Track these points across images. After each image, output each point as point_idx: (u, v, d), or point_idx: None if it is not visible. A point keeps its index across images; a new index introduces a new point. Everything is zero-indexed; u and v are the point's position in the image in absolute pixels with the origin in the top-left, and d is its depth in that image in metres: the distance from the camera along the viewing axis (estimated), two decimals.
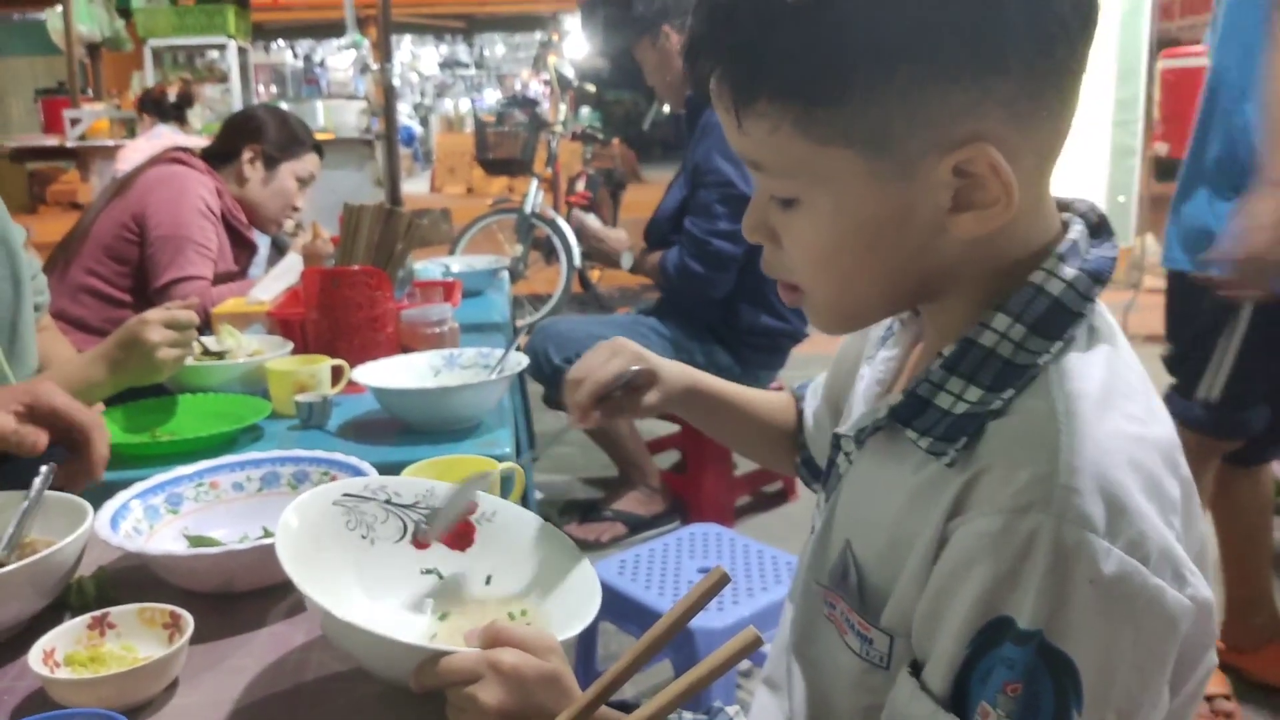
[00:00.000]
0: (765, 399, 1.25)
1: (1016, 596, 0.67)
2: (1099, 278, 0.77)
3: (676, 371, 1.19)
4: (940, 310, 0.82)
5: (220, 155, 2.80)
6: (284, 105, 5.50)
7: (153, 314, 1.62)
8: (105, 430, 1.26)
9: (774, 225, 0.81)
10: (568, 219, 3.38)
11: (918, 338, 0.92)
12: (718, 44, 0.74)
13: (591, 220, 3.49)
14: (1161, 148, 5.56)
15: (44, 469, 1.15)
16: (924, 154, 0.71)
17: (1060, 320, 0.75)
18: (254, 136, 2.79)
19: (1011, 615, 0.67)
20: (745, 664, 2.42)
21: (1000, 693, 0.67)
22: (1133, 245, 5.74)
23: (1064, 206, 0.82)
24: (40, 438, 1.21)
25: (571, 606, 0.99)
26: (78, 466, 1.23)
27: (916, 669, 0.73)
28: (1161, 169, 5.72)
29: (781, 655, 0.98)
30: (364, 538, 1.05)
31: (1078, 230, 0.78)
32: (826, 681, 0.87)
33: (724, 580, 0.74)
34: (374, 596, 1.02)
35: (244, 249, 2.83)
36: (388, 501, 1.07)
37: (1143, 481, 0.70)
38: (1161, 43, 6.10)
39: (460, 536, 1.09)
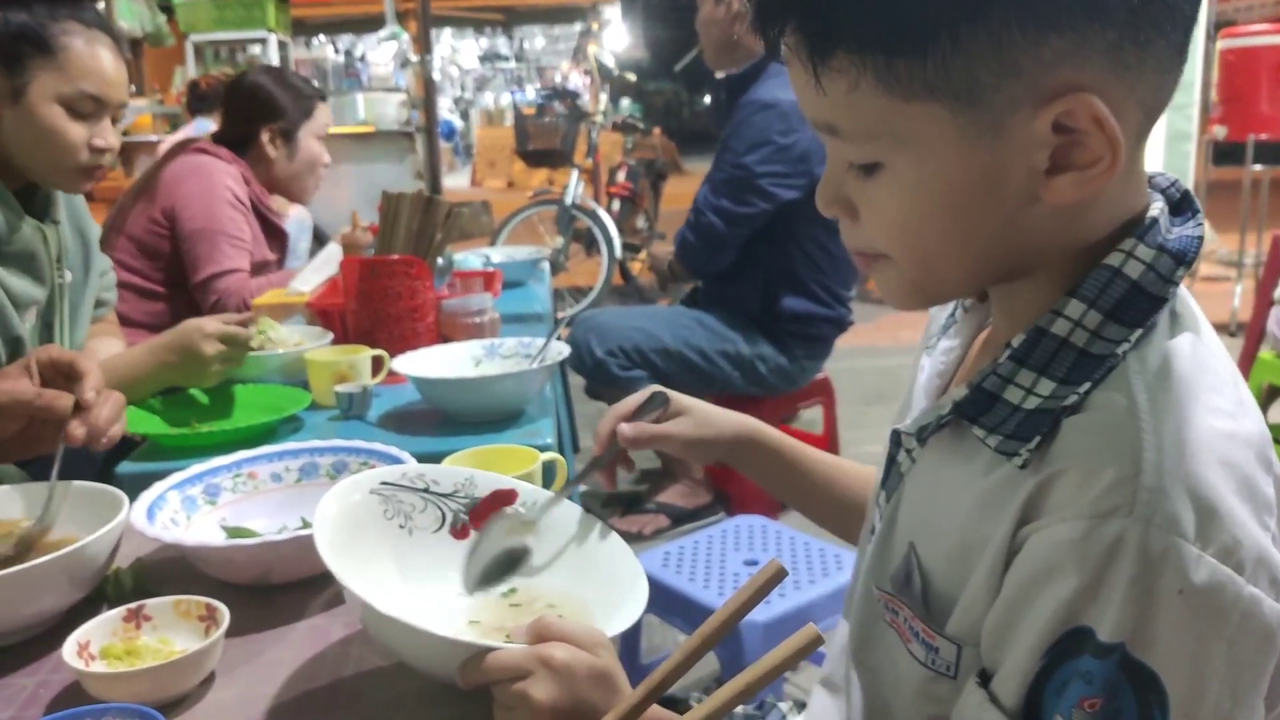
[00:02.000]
0: (847, 470, 1.13)
1: (1098, 607, 0.62)
2: (1182, 258, 0.70)
3: (725, 418, 1.11)
4: (1013, 293, 0.77)
5: (238, 140, 2.72)
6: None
7: (211, 326, 1.63)
8: (98, 370, 1.28)
9: (851, 196, 0.75)
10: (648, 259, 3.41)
11: (981, 326, 0.87)
12: (800, 2, 0.69)
13: (658, 250, 3.56)
14: (1220, 131, 5.42)
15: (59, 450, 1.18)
16: (1016, 107, 0.66)
17: (1140, 305, 0.69)
18: (268, 115, 2.70)
19: (1091, 626, 0.62)
20: None
21: (1077, 708, 0.62)
22: None
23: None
24: (63, 396, 1.23)
25: (617, 600, 0.96)
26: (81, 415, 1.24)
27: (985, 678, 0.69)
28: (1219, 153, 5.58)
29: (841, 657, 0.93)
30: (401, 527, 1.02)
31: (1158, 207, 0.72)
32: (887, 690, 0.83)
33: (780, 575, 0.70)
34: (414, 588, 0.99)
35: (275, 237, 2.78)
36: (426, 490, 1.04)
37: (1235, 482, 0.65)
38: (1218, 25, 5.96)
39: None
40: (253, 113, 2.72)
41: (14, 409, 1.23)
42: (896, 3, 0.64)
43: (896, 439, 0.84)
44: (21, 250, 1.60)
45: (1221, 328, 5.33)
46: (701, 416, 1.11)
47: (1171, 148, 5.43)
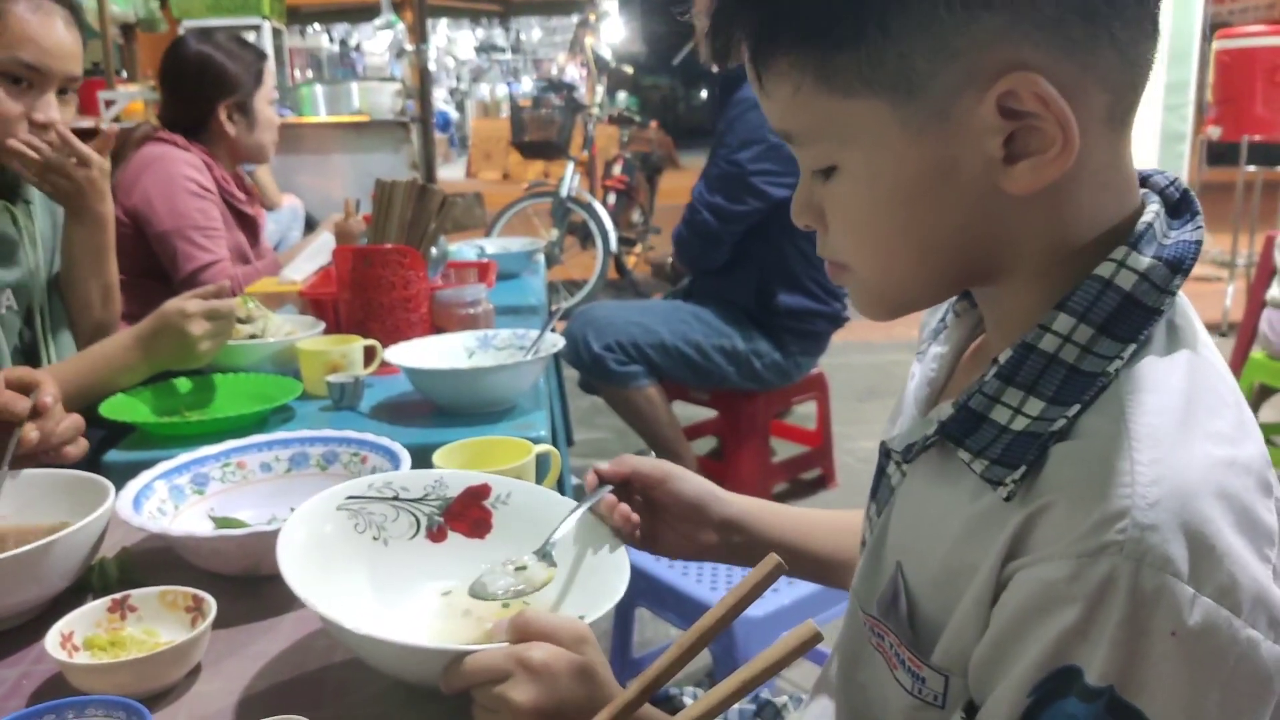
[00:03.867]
0: (820, 527, 1.08)
1: (1088, 647, 0.59)
2: (1178, 266, 0.67)
3: (721, 498, 1.08)
4: (999, 300, 0.74)
5: (192, 121, 2.60)
6: (319, 88, 5.48)
7: (192, 306, 1.57)
8: (55, 383, 1.30)
9: (821, 203, 0.74)
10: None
11: (972, 334, 0.84)
12: (739, 6, 0.70)
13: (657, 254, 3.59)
14: (1214, 131, 5.43)
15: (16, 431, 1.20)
16: (958, 93, 0.64)
17: (1133, 318, 0.66)
18: (223, 91, 2.57)
19: (1080, 666, 0.59)
20: None
21: None
22: None
23: (1140, 181, 0.72)
24: (20, 399, 1.24)
25: (599, 585, 0.94)
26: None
27: (971, 710, 0.67)
28: (1213, 154, 5.60)
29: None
30: (375, 539, 1.00)
31: (1153, 210, 0.69)
32: (874, 710, 0.80)
33: (780, 569, 0.69)
34: (390, 600, 0.97)
35: (245, 224, 2.70)
36: (395, 498, 1.02)
37: (1234, 515, 0.61)
38: (1214, 26, 5.97)
39: (477, 524, 1.04)
40: (205, 89, 2.58)
41: None
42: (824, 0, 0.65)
43: (885, 450, 0.81)
44: None
45: (1213, 328, 5.33)
46: (677, 472, 1.08)
47: (1166, 148, 5.43)
